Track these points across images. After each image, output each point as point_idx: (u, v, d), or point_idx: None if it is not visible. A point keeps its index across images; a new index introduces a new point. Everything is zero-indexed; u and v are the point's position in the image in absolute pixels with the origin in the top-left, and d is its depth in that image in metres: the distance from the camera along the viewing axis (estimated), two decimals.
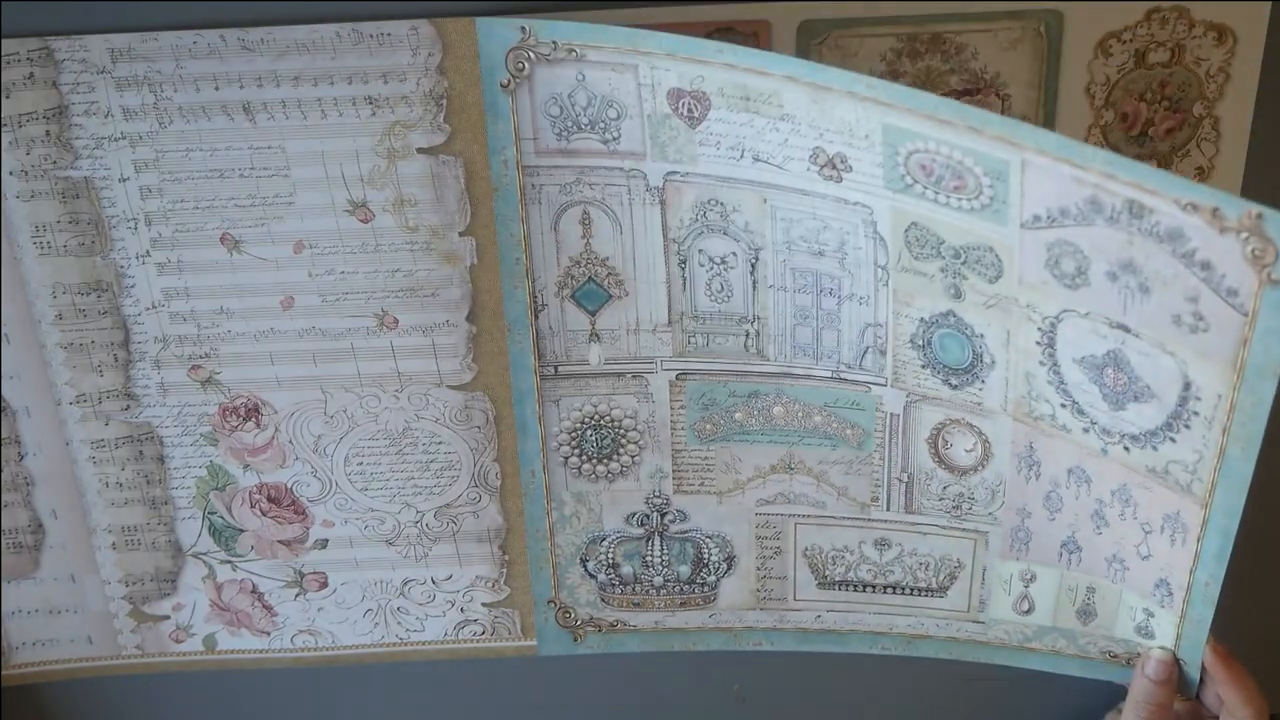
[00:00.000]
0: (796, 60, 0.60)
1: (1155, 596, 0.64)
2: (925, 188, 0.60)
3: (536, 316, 0.69)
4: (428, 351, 0.71)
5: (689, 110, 0.63)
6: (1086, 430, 0.62)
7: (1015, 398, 0.64)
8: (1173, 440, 0.58)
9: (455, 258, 0.69)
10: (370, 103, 0.65)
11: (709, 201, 0.66)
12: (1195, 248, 0.53)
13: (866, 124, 0.59)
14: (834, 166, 0.62)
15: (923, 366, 0.66)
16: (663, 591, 0.76)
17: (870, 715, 0.81)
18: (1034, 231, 0.58)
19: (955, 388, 0.66)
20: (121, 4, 0.64)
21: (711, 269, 0.68)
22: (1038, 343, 0.61)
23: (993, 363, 0.64)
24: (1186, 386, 0.56)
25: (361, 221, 0.68)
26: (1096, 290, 0.57)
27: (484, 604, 0.77)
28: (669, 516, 0.74)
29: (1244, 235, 0.51)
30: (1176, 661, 0.66)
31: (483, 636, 0.78)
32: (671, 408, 0.71)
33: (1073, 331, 0.59)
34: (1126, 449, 0.61)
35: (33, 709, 0.80)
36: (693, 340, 0.70)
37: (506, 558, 0.76)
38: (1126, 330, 0.57)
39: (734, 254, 0.67)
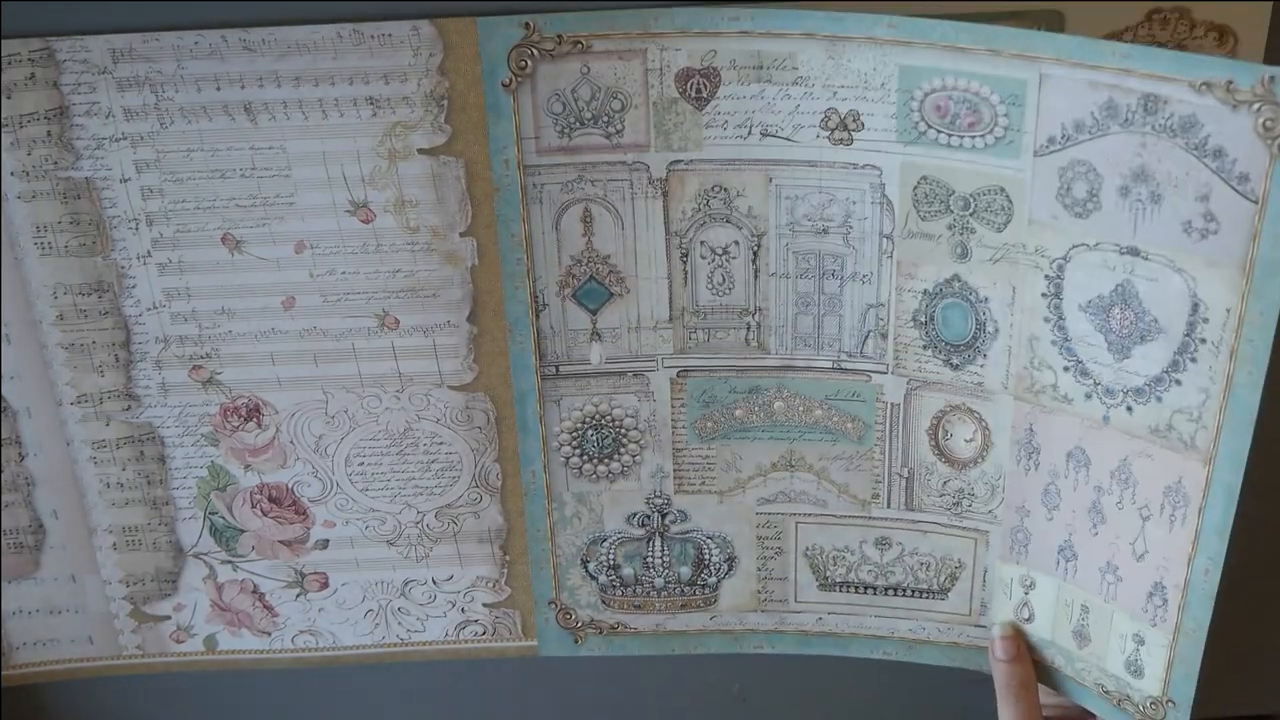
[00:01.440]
0: (814, 13, 0.62)
1: (1147, 614, 0.64)
2: (939, 131, 0.62)
3: (538, 316, 0.69)
4: (429, 352, 0.71)
5: (697, 90, 0.64)
6: (1089, 396, 0.62)
7: (1017, 370, 0.65)
8: (1178, 383, 0.59)
9: (456, 258, 0.69)
10: (371, 103, 0.65)
11: (712, 188, 0.66)
12: (1208, 134, 0.54)
13: (883, 71, 0.61)
14: (845, 127, 0.63)
15: (924, 347, 0.67)
16: (664, 593, 0.76)
17: (871, 716, 0.81)
18: (1047, 157, 0.59)
19: (956, 368, 0.66)
20: (122, 4, 0.64)
21: (713, 261, 0.68)
22: (1043, 294, 0.62)
23: (995, 331, 0.65)
24: (1194, 309, 0.57)
25: (363, 222, 0.68)
26: (1107, 213, 0.58)
27: (485, 604, 0.77)
28: (670, 517, 0.74)
29: (1256, 106, 0.52)
30: (1018, 632, 0.69)
31: (483, 637, 0.78)
32: (672, 406, 0.71)
33: (1080, 272, 0.61)
34: (1129, 409, 0.61)
35: (33, 709, 0.80)
36: (693, 336, 0.70)
37: (507, 558, 0.76)
38: (1136, 254, 0.58)
39: (736, 243, 0.67)
